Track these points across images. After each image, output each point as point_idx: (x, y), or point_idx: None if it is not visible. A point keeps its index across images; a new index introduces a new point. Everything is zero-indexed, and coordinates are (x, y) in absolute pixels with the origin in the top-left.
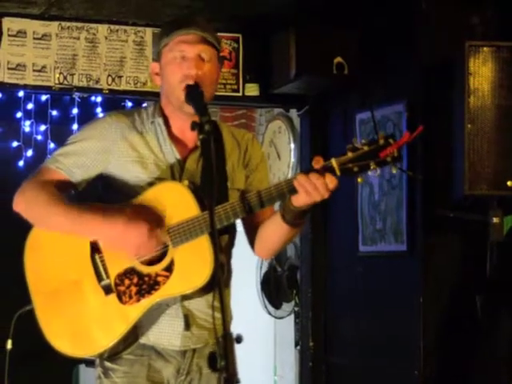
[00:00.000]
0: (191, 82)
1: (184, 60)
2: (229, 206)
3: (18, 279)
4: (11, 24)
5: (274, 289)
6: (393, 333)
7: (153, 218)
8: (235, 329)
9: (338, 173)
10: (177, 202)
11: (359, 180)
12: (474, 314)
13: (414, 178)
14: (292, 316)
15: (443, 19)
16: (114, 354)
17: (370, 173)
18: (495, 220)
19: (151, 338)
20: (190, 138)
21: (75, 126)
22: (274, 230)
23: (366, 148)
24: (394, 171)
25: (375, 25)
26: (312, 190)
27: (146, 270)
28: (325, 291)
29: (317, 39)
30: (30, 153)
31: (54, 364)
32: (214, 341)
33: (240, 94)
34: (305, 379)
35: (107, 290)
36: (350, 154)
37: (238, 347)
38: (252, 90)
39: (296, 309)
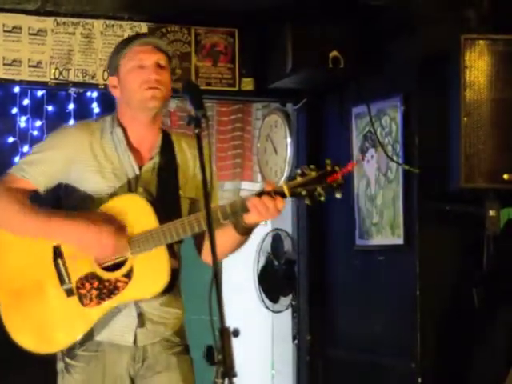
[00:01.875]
0: (152, 86)
1: (143, 68)
2: (194, 219)
3: None
4: (6, 20)
5: (271, 283)
6: (390, 326)
7: (118, 225)
8: (233, 323)
9: (288, 195)
10: (137, 214)
11: (307, 202)
12: (471, 307)
13: (411, 171)
14: (289, 310)
15: (439, 12)
16: (70, 350)
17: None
18: (491, 213)
19: (105, 335)
20: (146, 147)
21: (71, 122)
22: (225, 239)
23: (313, 174)
24: (338, 196)
25: (371, 19)
26: (263, 211)
27: (106, 275)
28: (322, 285)
29: (312, 33)
30: (25, 148)
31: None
32: (171, 332)
33: (236, 88)
34: (302, 373)
35: (69, 292)
36: (298, 179)
37: (235, 341)
38: (248, 84)
39: (293, 303)
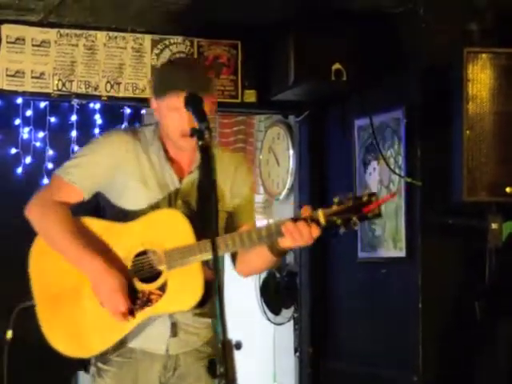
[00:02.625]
0: (187, 135)
1: (179, 112)
2: (229, 239)
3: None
4: (10, 31)
5: (273, 295)
6: (392, 339)
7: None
8: (235, 335)
9: (324, 223)
10: (174, 229)
11: (341, 230)
12: (474, 320)
13: (413, 184)
14: (291, 322)
15: (441, 25)
16: (103, 355)
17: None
18: (494, 226)
19: (138, 343)
20: (186, 161)
21: (74, 133)
22: (258, 259)
23: (350, 203)
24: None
25: (373, 31)
26: (298, 237)
27: (140, 286)
28: (324, 297)
29: (315, 46)
30: (28, 160)
31: (53, 370)
32: (203, 342)
33: (239, 100)
34: None
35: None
36: (335, 208)
37: (237, 353)
38: (251, 96)
39: (295, 315)
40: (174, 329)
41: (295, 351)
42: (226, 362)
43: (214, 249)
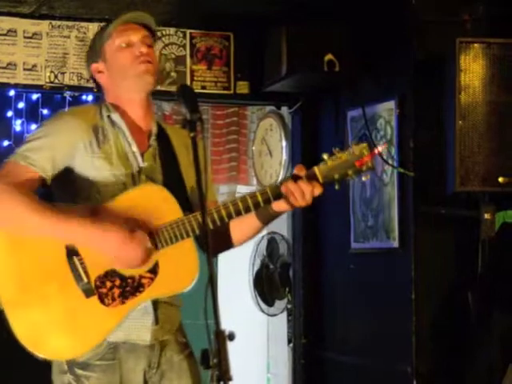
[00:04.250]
0: (144, 59)
1: (131, 44)
2: (222, 207)
3: None
4: (1, 23)
5: (266, 286)
6: (385, 329)
7: (138, 223)
8: (228, 326)
9: (321, 180)
10: (159, 205)
11: (336, 187)
12: (466, 310)
13: (406, 174)
14: (285, 313)
15: (434, 16)
16: (80, 361)
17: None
18: (487, 216)
19: (121, 334)
20: (144, 133)
21: None
22: (243, 227)
23: (343, 157)
24: (364, 179)
25: (366, 22)
26: (299, 197)
27: (128, 272)
28: (317, 288)
29: (307, 37)
30: None
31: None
32: (176, 329)
33: (231, 91)
34: (298, 376)
35: (88, 292)
36: (329, 163)
37: (230, 345)
38: (243, 87)
39: (289, 306)
40: (157, 316)
41: (289, 342)
42: (220, 352)
43: (205, 223)
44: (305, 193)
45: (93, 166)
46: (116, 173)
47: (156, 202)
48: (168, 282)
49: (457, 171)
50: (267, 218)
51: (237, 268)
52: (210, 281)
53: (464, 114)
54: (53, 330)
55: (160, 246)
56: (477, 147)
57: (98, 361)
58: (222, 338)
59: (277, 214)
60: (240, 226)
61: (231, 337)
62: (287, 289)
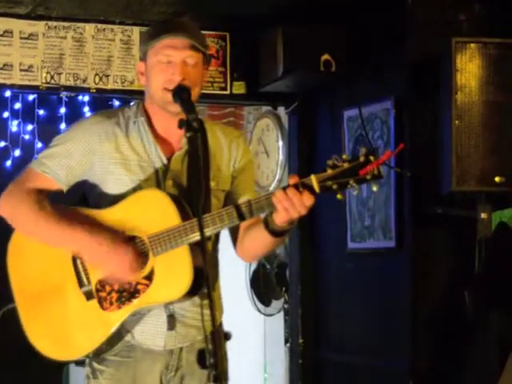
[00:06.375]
0: (174, 86)
1: (169, 65)
2: (217, 216)
3: (1, 277)
4: None
5: (263, 286)
6: (382, 329)
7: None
8: (225, 326)
9: (318, 190)
10: (157, 211)
11: (338, 196)
12: (463, 310)
13: (402, 174)
14: (281, 313)
15: (430, 15)
16: (98, 355)
17: (349, 189)
18: (483, 216)
19: (136, 336)
20: (175, 137)
21: (63, 126)
22: (258, 238)
23: (346, 165)
24: (375, 189)
25: (362, 22)
26: (289, 207)
27: None
28: (314, 288)
29: (304, 37)
30: (17, 153)
31: (43, 364)
32: (203, 337)
33: (228, 92)
34: (295, 376)
35: (88, 295)
36: (329, 171)
37: (227, 344)
38: (240, 88)
39: (285, 306)
40: (171, 321)
41: (286, 342)
42: (216, 352)
43: (201, 229)
44: (294, 202)
45: (110, 171)
46: (134, 178)
47: (152, 207)
48: (161, 289)
49: (453, 171)
50: (275, 230)
51: (233, 268)
52: (206, 280)
53: (460, 114)
54: (53, 330)
55: (156, 252)
56: (473, 147)
57: (113, 356)
58: (218, 338)
59: (283, 227)
60: (248, 241)
61: (227, 336)
62: (284, 288)
